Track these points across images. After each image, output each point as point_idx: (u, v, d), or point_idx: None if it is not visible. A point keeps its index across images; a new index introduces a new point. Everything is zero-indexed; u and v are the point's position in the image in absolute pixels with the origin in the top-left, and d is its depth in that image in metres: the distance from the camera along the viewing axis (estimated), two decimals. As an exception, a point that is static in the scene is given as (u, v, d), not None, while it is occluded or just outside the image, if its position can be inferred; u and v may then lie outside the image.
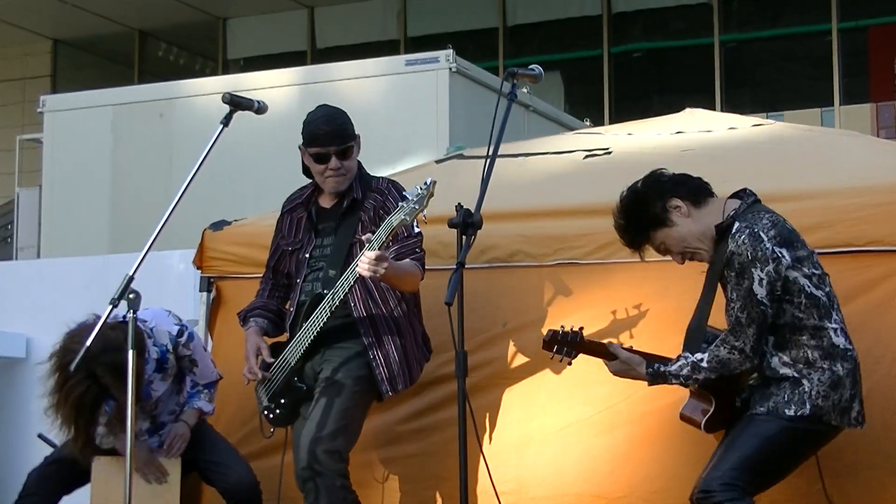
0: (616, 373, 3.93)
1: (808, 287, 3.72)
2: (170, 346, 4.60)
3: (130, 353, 3.80)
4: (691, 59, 14.21)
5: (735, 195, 3.86)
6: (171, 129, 8.56)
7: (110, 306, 3.81)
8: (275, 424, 4.48)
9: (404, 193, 3.99)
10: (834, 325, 3.74)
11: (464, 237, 3.91)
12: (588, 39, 14.20)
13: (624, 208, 3.84)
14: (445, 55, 7.76)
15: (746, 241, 3.66)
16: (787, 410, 3.69)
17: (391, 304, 4.34)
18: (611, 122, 8.12)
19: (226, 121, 4.02)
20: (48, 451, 4.91)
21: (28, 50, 16.21)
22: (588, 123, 8.44)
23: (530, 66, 4.13)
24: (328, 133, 4.29)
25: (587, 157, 5.25)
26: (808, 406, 3.68)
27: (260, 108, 4.12)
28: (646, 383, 3.91)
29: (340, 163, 4.32)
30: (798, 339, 3.73)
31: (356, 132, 4.40)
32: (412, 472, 4.71)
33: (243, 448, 4.84)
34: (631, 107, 12.83)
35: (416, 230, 4.30)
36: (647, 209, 3.80)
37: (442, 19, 14.68)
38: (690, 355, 3.78)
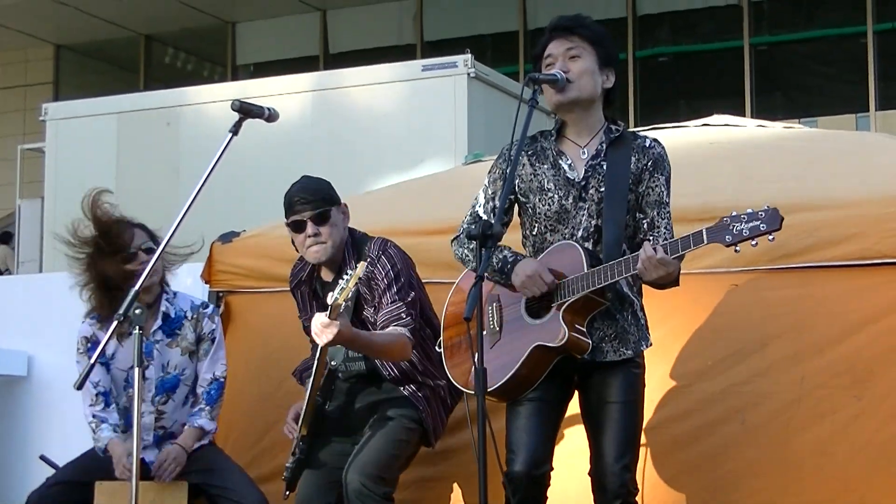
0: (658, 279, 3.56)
1: None
2: (189, 314, 4.61)
3: (136, 370, 3.70)
4: (720, 62, 14.12)
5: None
6: (178, 137, 8.53)
7: (115, 322, 3.71)
8: (291, 474, 4.26)
9: (347, 270, 3.85)
10: None
11: (483, 249, 3.76)
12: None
13: (596, 28, 3.84)
14: (464, 60, 7.73)
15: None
16: (642, 347, 3.70)
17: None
18: (636, 129, 8.02)
19: (235, 129, 3.89)
20: (49, 472, 4.80)
21: (29, 56, 16.14)
22: (612, 130, 8.35)
23: (552, 72, 3.98)
24: (302, 199, 4.20)
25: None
26: (649, 337, 3.74)
27: (271, 116, 4.00)
28: (666, 406, 3.92)
29: (317, 229, 4.19)
30: None
31: (340, 200, 4.29)
32: (429, 498, 4.58)
33: (252, 471, 4.69)
34: (657, 113, 12.64)
35: (411, 295, 4.17)
36: (611, 46, 3.88)
37: (460, 22, 14.60)
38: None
